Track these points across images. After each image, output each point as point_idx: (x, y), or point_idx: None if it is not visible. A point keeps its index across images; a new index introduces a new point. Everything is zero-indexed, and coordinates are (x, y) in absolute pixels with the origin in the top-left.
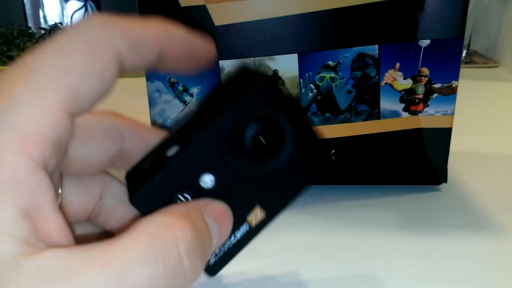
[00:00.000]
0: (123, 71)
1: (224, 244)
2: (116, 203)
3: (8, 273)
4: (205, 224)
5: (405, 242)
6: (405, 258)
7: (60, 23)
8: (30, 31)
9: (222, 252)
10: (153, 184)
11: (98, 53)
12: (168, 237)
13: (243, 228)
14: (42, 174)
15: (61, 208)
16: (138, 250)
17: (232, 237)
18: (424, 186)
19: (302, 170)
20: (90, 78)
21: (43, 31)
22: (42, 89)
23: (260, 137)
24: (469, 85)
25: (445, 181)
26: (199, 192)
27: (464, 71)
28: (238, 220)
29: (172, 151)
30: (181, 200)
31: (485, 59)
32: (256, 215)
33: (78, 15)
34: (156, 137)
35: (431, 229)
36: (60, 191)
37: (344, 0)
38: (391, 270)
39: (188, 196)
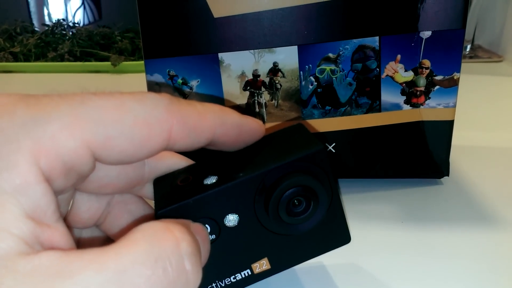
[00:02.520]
0: (171, 149)
1: (222, 282)
2: (121, 212)
3: (2, 270)
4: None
5: (405, 235)
6: (406, 251)
7: (63, 19)
8: (33, 28)
9: None
10: (182, 206)
11: (150, 125)
12: (168, 239)
13: (245, 273)
14: (47, 186)
15: (69, 214)
16: (136, 251)
17: (232, 278)
18: (426, 179)
19: (320, 241)
20: (129, 139)
21: (46, 28)
22: (80, 119)
23: (295, 200)
24: (473, 79)
25: (447, 175)
26: (219, 226)
27: (468, 65)
28: (243, 264)
29: (209, 180)
30: None
31: (489, 54)
32: (261, 265)
33: (80, 14)
34: (177, 163)
35: (432, 223)
36: (71, 203)
37: None
38: (391, 263)
39: (208, 227)
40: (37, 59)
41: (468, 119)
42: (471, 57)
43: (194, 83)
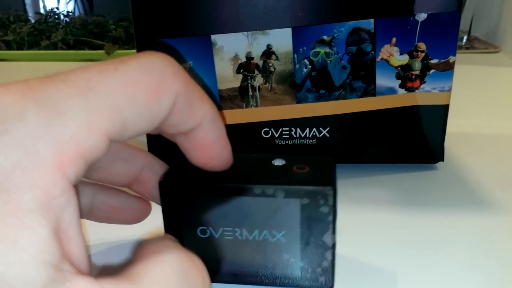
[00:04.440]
0: (166, 120)
1: None
2: (114, 160)
3: None
4: None
5: (400, 219)
6: (400, 235)
7: (57, 8)
8: (27, 16)
9: None
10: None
11: (160, 96)
12: (196, 276)
13: None
14: (72, 193)
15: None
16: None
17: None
18: (420, 165)
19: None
20: (143, 116)
21: (39, 16)
22: (95, 112)
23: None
24: (470, 69)
25: (442, 160)
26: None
27: (464, 56)
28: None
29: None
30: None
31: (485, 45)
32: None
33: (71, 6)
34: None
35: (427, 207)
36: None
37: None
38: (385, 248)
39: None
40: (30, 47)
41: (464, 107)
42: (467, 48)
43: (186, 65)
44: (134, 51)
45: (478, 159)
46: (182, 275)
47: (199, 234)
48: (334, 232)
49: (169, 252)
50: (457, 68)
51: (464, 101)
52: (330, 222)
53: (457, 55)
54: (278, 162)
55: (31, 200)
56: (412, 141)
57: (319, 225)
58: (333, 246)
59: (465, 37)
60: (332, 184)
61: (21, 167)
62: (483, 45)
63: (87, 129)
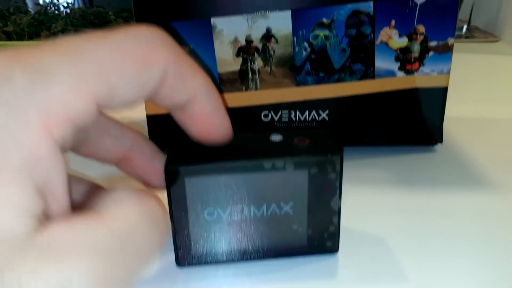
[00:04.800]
0: (156, 92)
1: None
2: (102, 135)
3: (22, 249)
4: None
5: (399, 197)
6: (399, 214)
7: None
8: (27, 8)
9: None
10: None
11: (149, 65)
12: (151, 199)
13: None
14: (60, 156)
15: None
16: (133, 214)
17: None
18: (419, 147)
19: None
20: (131, 84)
21: (39, 7)
22: (83, 75)
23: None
24: (469, 58)
25: (441, 142)
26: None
27: (464, 45)
28: None
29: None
30: None
31: (485, 34)
32: None
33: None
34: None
35: (426, 186)
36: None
37: None
38: (385, 227)
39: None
40: (30, 38)
41: (463, 93)
42: (467, 37)
43: (186, 50)
44: None
45: (477, 142)
46: (144, 208)
47: (206, 216)
48: (340, 197)
49: (131, 191)
50: (457, 57)
51: (463, 87)
52: (337, 187)
53: (457, 44)
54: (276, 137)
55: (17, 159)
56: (411, 124)
57: (326, 192)
58: (339, 211)
59: (465, 27)
60: (339, 152)
61: (8, 127)
62: (482, 34)
63: (75, 92)
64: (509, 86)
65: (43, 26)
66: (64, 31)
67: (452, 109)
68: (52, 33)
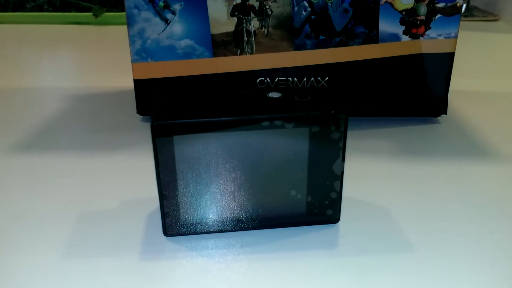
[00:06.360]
0: None
1: None
2: None
3: None
4: None
5: (401, 166)
6: (401, 182)
7: None
8: None
9: None
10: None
11: None
12: None
13: None
14: None
15: None
16: None
17: None
18: (423, 118)
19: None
20: None
21: None
22: None
23: None
24: (470, 35)
25: (445, 113)
26: None
27: (464, 23)
28: None
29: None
30: None
31: (485, 14)
32: None
33: None
34: None
35: (429, 156)
36: None
37: None
38: (388, 197)
39: None
40: (15, 9)
41: (465, 68)
42: (466, 16)
43: (177, 6)
44: (124, 13)
45: (479, 114)
46: None
47: (196, 181)
48: (343, 160)
49: None
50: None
51: (466, 62)
52: (340, 149)
53: None
54: (274, 94)
55: None
56: (415, 93)
57: (329, 153)
58: (342, 175)
59: (464, 6)
60: (344, 108)
61: None
62: (482, 13)
63: None
64: (510, 62)
65: None
66: (50, 2)
67: (456, 83)
68: (37, 4)
